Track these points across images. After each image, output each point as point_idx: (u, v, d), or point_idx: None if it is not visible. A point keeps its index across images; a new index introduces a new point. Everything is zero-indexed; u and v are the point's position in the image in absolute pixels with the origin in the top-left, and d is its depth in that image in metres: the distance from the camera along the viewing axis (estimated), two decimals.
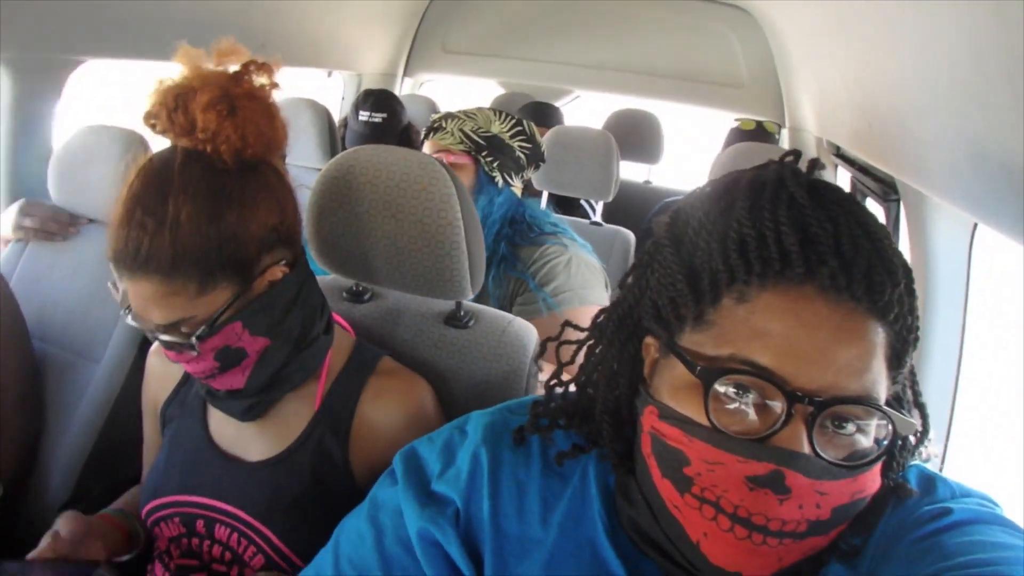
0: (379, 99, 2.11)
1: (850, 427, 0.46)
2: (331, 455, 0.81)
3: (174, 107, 0.70)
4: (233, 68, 0.73)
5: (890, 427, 0.46)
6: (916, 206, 1.17)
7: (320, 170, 0.91)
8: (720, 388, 0.46)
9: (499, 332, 0.93)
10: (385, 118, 2.08)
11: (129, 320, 0.73)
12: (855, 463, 0.46)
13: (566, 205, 2.22)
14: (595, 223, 1.97)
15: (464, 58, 2.66)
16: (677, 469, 0.48)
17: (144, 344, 1.18)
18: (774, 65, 2.26)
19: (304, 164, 1.97)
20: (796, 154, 0.51)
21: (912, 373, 0.53)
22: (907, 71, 0.92)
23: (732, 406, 0.46)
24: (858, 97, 1.28)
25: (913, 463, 0.54)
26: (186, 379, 0.90)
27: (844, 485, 0.45)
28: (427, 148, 1.32)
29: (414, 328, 0.96)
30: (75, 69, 1.41)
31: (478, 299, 1.04)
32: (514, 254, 1.28)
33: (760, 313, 0.45)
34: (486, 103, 2.73)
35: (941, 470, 0.57)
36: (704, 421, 0.46)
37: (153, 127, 0.73)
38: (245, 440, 0.84)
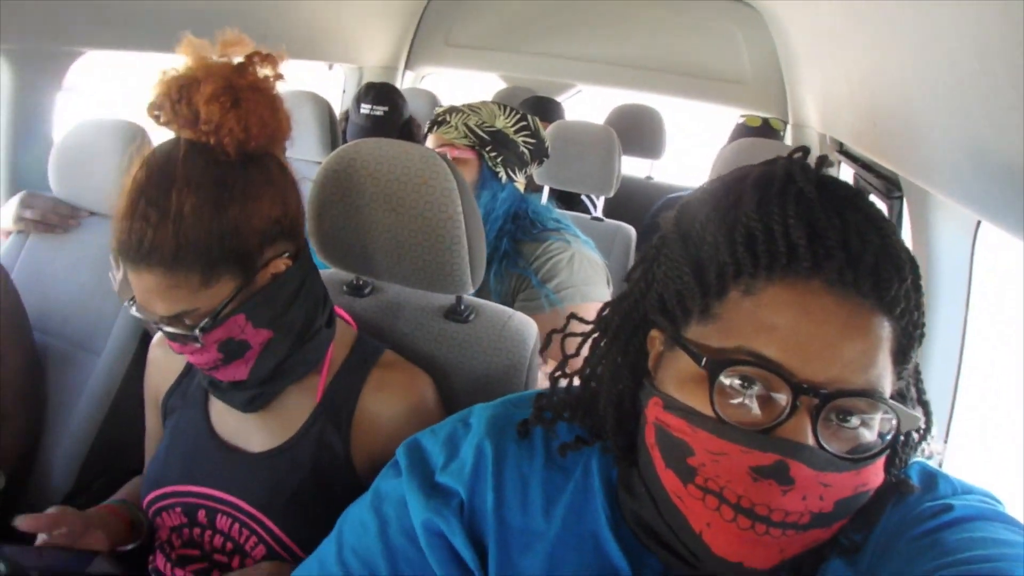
0: (380, 92, 2.10)
1: (854, 421, 0.46)
2: (332, 447, 0.81)
3: (177, 98, 0.70)
4: (237, 59, 0.73)
5: (894, 422, 0.46)
6: (919, 203, 1.17)
7: (321, 163, 0.91)
8: (725, 380, 0.46)
9: (499, 327, 0.93)
10: (387, 111, 2.08)
11: (133, 311, 0.74)
12: (859, 456, 0.46)
13: (567, 200, 2.22)
14: (596, 218, 1.97)
15: (466, 51, 2.65)
16: (681, 459, 0.48)
17: (145, 336, 1.18)
18: (778, 61, 2.25)
19: (305, 158, 1.97)
20: (804, 150, 0.51)
21: (916, 371, 0.53)
22: (911, 69, 0.92)
23: (736, 400, 0.46)
24: (862, 94, 1.27)
25: (915, 460, 0.54)
26: (188, 370, 0.90)
27: (847, 478, 0.45)
28: (430, 142, 1.31)
29: (414, 322, 0.96)
30: (76, 60, 1.41)
31: (480, 295, 1.04)
32: (516, 250, 1.28)
33: (767, 306, 0.45)
34: (488, 97, 2.73)
35: (941, 468, 0.57)
36: (709, 412, 0.46)
37: (156, 118, 0.73)
38: (247, 431, 0.84)
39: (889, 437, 0.47)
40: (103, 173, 1.17)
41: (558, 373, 0.62)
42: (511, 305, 1.24)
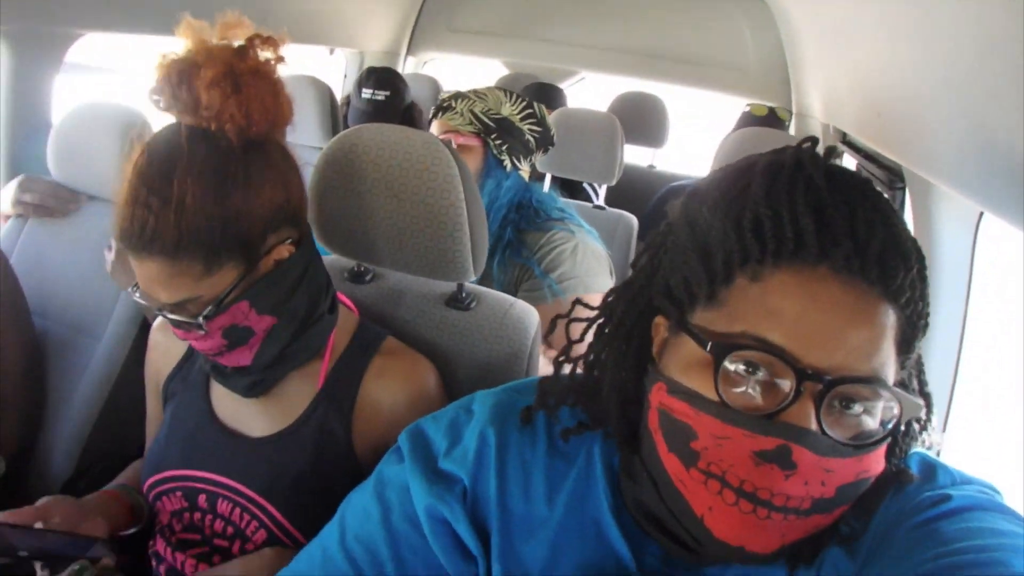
0: (382, 77, 2.09)
1: (857, 407, 0.46)
2: (334, 433, 0.81)
3: (177, 83, 0.69)
4: (238, 42, 0.72)
5: (896, 410, 0.46)
6: (921, 194, 1.17)
7: (322, 149, 0.90)
8: (730, 365, 0.46)
9: (501, 314, 0.93)
10: (388, 96, 2.06)
11: (136, 297, 0.73)
12: (861, 443, 0.46)
13: (569, 188, 2.21)
14: (598, 207, 1.96)
15: (469, 37, 2.63)
16: (684, 443, 0.48)
17: (146, 320, 1.18)
18: (783, 51, 2.23)
19: (306, 143, 1.96)
20: (813, 140, 0.51)
21: (919, 362, 0.53)
22: (916, 60, 0.92)
23: (740, 388, 0.47)
24: (867, 85, 1.26)
25: (915, 450, 0.54)
26: (189, 355, 0.90)
27: (849, 464, 0.46)
28: (435, 128, 1.30)
29: (416, 309, 0.96)
30: (74, 42, 1.39)
31: (483, 285, 1.04)
32: (520, 240, 1.27)
33: (773, 292, 0.46)
34: (490, 84, 2.71)
35: (939, 458, 0.57)
36: (713, 396, 0.47)
37: (157, 103, 0.72)
38: (248, 416, 0.84)
39: (891, 425, 0.47)
40: (103, 157, 1.16)
41: (562, 358, 0.62)
42: (514, 295, 1.24)
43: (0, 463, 1.02)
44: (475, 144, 1.25)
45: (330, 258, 0.99)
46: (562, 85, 2.88)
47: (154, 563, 0.86)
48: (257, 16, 0.74)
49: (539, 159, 1.38)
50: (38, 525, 0.74)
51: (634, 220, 1.94)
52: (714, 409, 0.47)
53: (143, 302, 0.73)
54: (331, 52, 2.51)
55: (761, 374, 0.46)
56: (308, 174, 0.85)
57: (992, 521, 0.47)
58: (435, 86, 2.64)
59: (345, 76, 2.64)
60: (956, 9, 0.73)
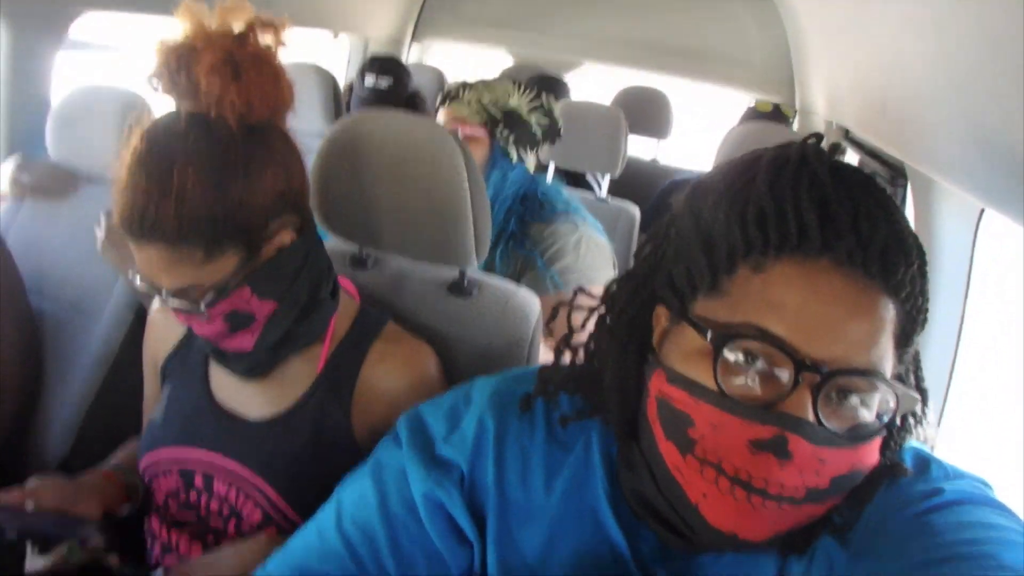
0: (386, 64, 2.07)
1: (854, 399, 0.47)
2: (333, 417, 0.81)
3: (176, 68, 0.68)
4: (238, 27, 0.71)
5: (892, 403, 0.47)
6: (923, 191, 1.17)
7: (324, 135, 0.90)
8: (730, 355, 0.46)
9: (503, 302, 0.93)
10: (391, 84, 2.05)
11: (138, 282, 0.73)
12: (857, 434, 0.47)
13: (572, 179, 2.21)
14: (601, 199, 1.96)
15: (474, 26, 2.61)
16: (681, 431, 0.48)
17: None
18: (787, 46, 2.23)
19: (308, 130, 1.95)
20: (818, 137, 0.51)
21: (916, 357, 0.54)
22: (919, 57, 0.91)
23: (738, 378, 0.47)
24: (870, 81, 1.26)
25: (910, 444, 0.55)
26: (188, 336, 0.90)
27: (844, 455, 0.46)
28: (442, 116, 1.29)
29: (417, 296, 0.96)
30: (74, 20, 1.38)
31: None
32: (523, 231, 1.27)
33: (775, 284, 0.46)
34: (494, 74, 2.70)
35: (933, 452, 0.57)
36: (712, 385, 0.47)
37: (156, 88, 0.71)
38: (246, 399, 0.84)
39: (887, 418, 0.47)
40: (101, 140, 1.15)
41: (563, 347, 0.62)
42: None
43: None
44: (481, 135, 1.25)
45: (331, 244, 0.99)
46: (566, 76, 2.87)
47: (148, 541, 0.86)
48: None
49: (545, 151, 1.37)
50: (29, 506, 0.74)
51: (636, 211, 1.94)
52: (712, 397, 0.47)
53: (144, 289, 0.73)
54: (335, 35, 2.49)
55: (760, 364, 0.46)
56: (311, 161, 0.85)
57: (983, 515, 0.48)
58: (439, 77, 2.63)
59: (348, 62, 2.62)
60: (959, 8, 0.73)
